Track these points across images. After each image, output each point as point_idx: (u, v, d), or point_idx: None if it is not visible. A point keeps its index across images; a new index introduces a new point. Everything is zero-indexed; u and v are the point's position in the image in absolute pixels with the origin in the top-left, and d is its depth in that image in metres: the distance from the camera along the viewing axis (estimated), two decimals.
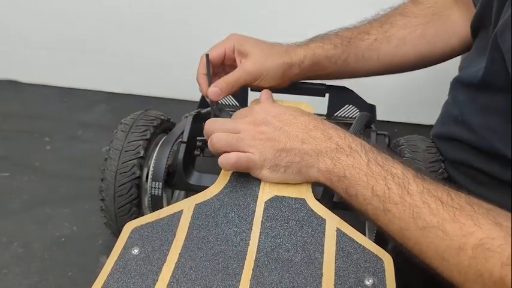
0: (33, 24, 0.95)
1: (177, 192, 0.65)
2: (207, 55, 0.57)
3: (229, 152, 0.46)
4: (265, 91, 0.56)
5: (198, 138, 0.59)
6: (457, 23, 0.58)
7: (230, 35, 0.59)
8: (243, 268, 0.41)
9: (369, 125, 0.59)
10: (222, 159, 0.46)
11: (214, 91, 0.54)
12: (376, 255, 0.42)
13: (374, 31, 0.59)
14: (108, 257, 0.61)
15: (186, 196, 0.65)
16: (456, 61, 0.85)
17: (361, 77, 0.63)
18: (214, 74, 0.59)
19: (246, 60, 0.56)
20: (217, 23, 0.89)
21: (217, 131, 0.47)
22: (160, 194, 0.54)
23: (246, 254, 0.42)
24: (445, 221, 0.36)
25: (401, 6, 0.61)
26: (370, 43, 0.59)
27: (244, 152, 0.46)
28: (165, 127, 0.60)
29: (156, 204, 0.55)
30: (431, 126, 0.91)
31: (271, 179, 0.46)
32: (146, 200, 0.56)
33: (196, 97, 0.66)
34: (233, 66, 0.59)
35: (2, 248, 0.63)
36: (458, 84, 0.51)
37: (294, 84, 0.65)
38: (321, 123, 0.46)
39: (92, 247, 0.64)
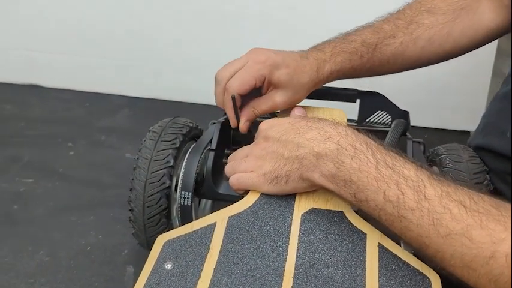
0: (56, 29, 0.95)
1: (203, 200, 0.64)
2: (234, 97, 0.52)
3: None
4: (297, 108, 0.55)
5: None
6: (484, 16, 0.56)
7: (254, 52, 0.53)
8: (281, 285, 0.39)
9: (404, 133, 0.57)
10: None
11: (246, 126, 0.54)
12: (422, 273, 0.39)
13: (400, 33, 0.57)
14: (134, 266, 0.61)
15: (213, 205, 0.64)
16: (488, 62, 0.83)
17: (377, 75, 0.61)
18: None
19: (276, 93, 0.53)
20: (241, 26, 0.88)
21: (232, 160, 0.49)
22: (190, 204, 0.53)
23: (284, 270, 0.40)
24: (470, 227, 0.34)
25: (427, 0, 0.58)
26: (396, 47, 0.57)
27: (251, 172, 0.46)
28: (193, 134, 0.59)
29: (186, 214, 0.54)
30: (462, 132, 0.89)
31: (276, 192, 0.45)
32: (175, 210, 0.55)
33: None
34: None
35: (28, 257, 0.63)
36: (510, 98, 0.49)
37: (324, 89, 0.64)
38: (317, 122, 0.43)
39: (117, 256, 0.63)
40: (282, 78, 0.52)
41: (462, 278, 0.35)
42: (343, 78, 0.59)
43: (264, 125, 0.48)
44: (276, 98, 0.53)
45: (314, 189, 0.44)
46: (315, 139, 0.41)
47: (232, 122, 0.55)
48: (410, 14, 0.58)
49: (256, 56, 0.52)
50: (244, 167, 0.47)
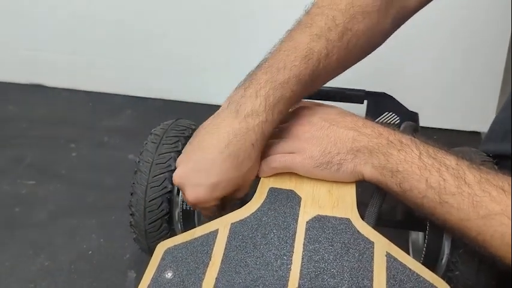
0: (59, 28, 0.94)
1: None
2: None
3: None
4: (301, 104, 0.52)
5: None
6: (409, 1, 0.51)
7: (194, 192, 0.45)
8: None
9: (413, 135, 0.56)
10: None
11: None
12: (433, 284, 0.38)
13: (334, 49, 0.48)
14: (136, 272, 0.60)
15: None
16: (499, 61, 0.80)
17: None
18: None
19: (236, 193, 0.47)
20: (242, 26, 0.87)
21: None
22: (192, 209, 0.51)
23: (288, 280, 0.39)
24: (509, 207, 0.36)
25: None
26: (331, 65, 0.49)
27: (289, 153, 0.46)
28: None
29: (188, 219, 0.52)
30: (472, 132, 0.87)
31: (322, 176, 0.45)
32: (177, 215, 0.53)
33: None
34: None
35: (29, 261, 0.62)
36: None
37: (331, 90, 0.62)
38: (368, 121, 0.46)
39: (119, 261, 0.62)
40: (233, 185, 0.46)
41: (504, 260, 0.36)
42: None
43: (304, 109, 0.48)
44: (237, 196, 0.48)
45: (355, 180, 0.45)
46: (369, 135, 0.44)
47: None
48: (342, 21, 0.48)
49: (196, 194, 0.45)
50: (282, 148, 0.46)
